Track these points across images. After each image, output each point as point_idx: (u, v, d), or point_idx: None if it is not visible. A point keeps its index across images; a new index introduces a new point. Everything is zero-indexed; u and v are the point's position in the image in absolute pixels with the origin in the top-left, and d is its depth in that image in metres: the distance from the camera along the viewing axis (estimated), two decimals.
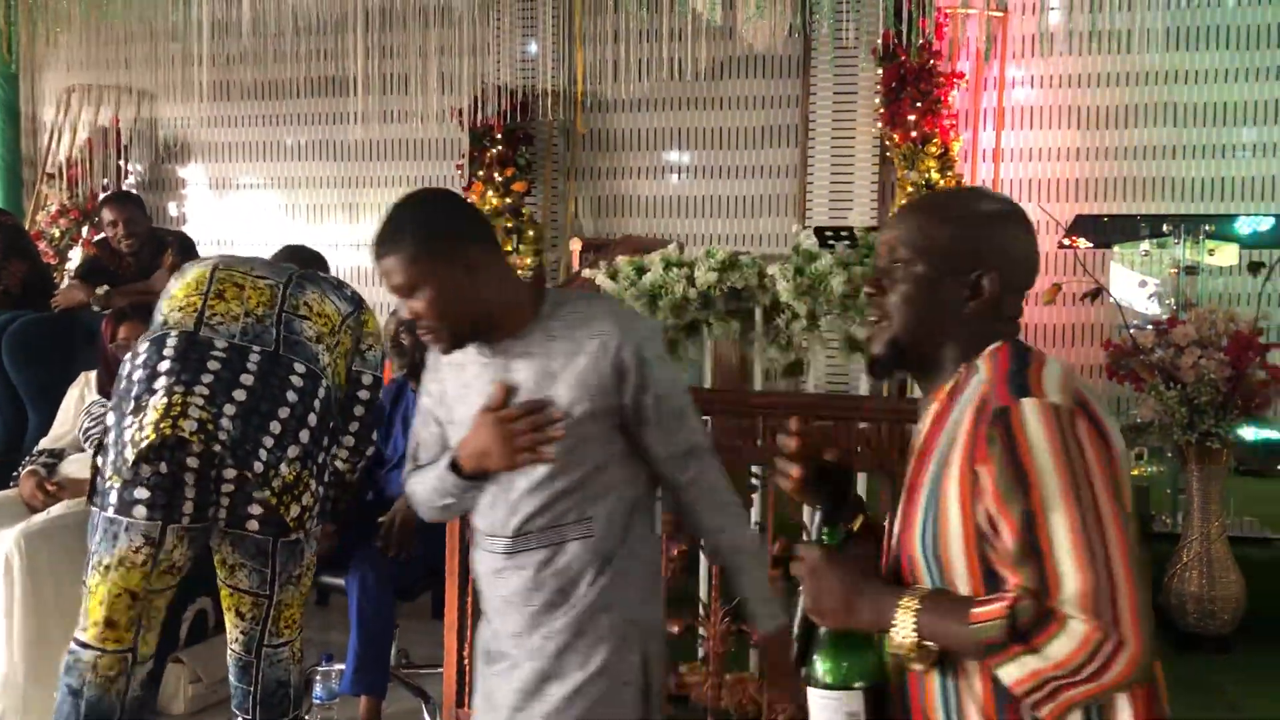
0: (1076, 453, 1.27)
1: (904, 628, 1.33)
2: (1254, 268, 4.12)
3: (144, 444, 2.46)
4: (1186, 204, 6.65)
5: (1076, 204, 6.76)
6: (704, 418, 2.76)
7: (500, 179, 7.22)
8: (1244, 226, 4.68)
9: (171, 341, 2.62)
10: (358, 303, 2.90)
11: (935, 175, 6.57)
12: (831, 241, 3.57)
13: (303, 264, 3.07)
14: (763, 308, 3.50)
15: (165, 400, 2.50)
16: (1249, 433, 6.13)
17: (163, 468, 2.51)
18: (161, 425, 2.47)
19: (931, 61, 6.65)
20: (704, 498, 2.00)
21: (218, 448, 2.50)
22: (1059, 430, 1.28)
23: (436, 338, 1.91)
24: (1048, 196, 6.83)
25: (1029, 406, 1.29)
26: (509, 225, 7.15)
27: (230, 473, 2.55)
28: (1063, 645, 1.22)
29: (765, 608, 2.02)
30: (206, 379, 2.55)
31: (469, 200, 2.05)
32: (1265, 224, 4.83)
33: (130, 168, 8.48)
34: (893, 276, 1.46)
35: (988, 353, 1.42)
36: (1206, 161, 6.74)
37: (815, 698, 1.41)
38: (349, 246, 8.17)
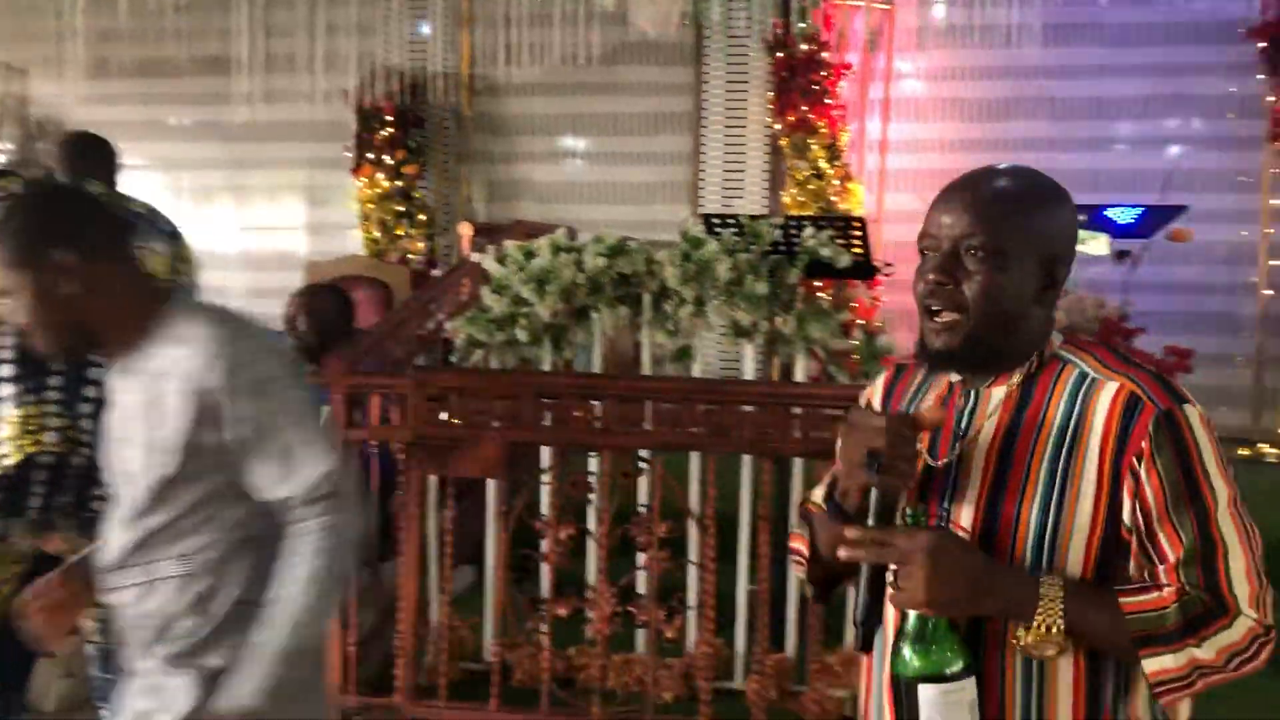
0: (1227, 461, 1.37)
1: (1051, 614, 1.31)
2: (1120, 256, 4.29)
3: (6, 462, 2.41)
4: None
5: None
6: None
7: (390, 162, 7.12)
8: (1115, 216, 4.86)
9: (7, 342, 2.52)
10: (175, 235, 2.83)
11: (824, 165, 6.68)
12: (718, 229, 3.61)
13: (81, 155, 2.99)
14: (651, 293, 3.52)
15: (19, 414, 2.43)
16: None
17: (14, 471, 2.45)
18: (22, 443, 2.42)
19: (820, 52, 6.76)
20: (297, 561, 1.72)
21: (83, 450, 2.44)
22: (1216, 439, 1.37)
23: (40, 344, 1.78)
24: (932, 188, 6.96)
25: (1193, 414, 1.35)
26: (399, 209, 7.06)
27: (79, 460, 2.49)
28: (1228, 637, 1.31)
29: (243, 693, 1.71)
30: (54, 381, 2.47)
31: (97, 203, 1.90)
32: (1133, 214, 5.02)
33: None
34: (968, 267, 1.40)
35: (1070, 343, 1.46)
36: (1083, 154, 6.97)
37: (933, 693, 1.33)
38: (236, 229, 7.97)
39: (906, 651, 1.34)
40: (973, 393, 1.46)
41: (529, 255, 3.49)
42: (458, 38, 7.23)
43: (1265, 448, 6.47)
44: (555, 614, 3.17)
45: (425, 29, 7.33)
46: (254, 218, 8.00)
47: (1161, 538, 1.34)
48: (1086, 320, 4.08)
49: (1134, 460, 1.33)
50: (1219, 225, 6.93)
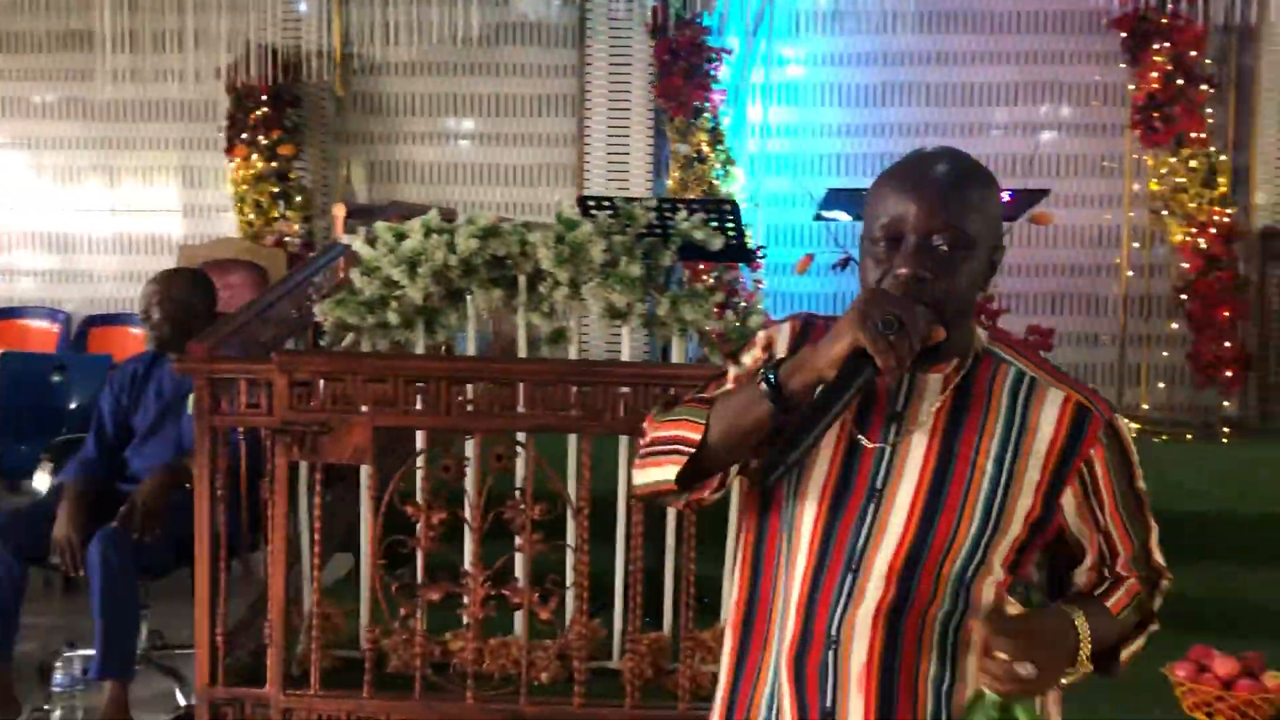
0: None
1: (1086, 645, 1.42)
2: None
3: None
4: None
5: (838, 179, 7.05)
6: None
7: (265, 142, 6.94)
8: None
9: None
10: None
11: (706, 148, 6.73)
12: (594, 210, 3.61)
13: None
14: (526, 275, 3.51)
15: None
16: None
17: None
18: None
19: (702, 36, 6.80)
20: None
21: None
22: None
23: None
24: (813, 171, 7.11)
25: (1121, 422, 1.49)
26: (275, 191, 6.89)
27: None
28: (1161, 600, 1.54)
29: None
30: None
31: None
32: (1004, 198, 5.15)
33: None
34: (939, 258, 1.37)
35: (990, 334, 1.51)
36: (959, 140, 7.14)
37: None
38: (106, 212, 7.69)
39: None
40: (907, 377, 1.44)
41: (400, 237, 3.44)
42: (334, 15, 7.07)
43: (1128, 422, 6.75)
44: (429, 599, 3.14)
45: (303, 6, 7.16)
46: (126, 199, 7.73)
47: (1114, 533, 1.49)
48: None
49: (1083, 465, 1.44)
50: (1086, 209, 7.21)
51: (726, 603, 1.72)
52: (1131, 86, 6.82)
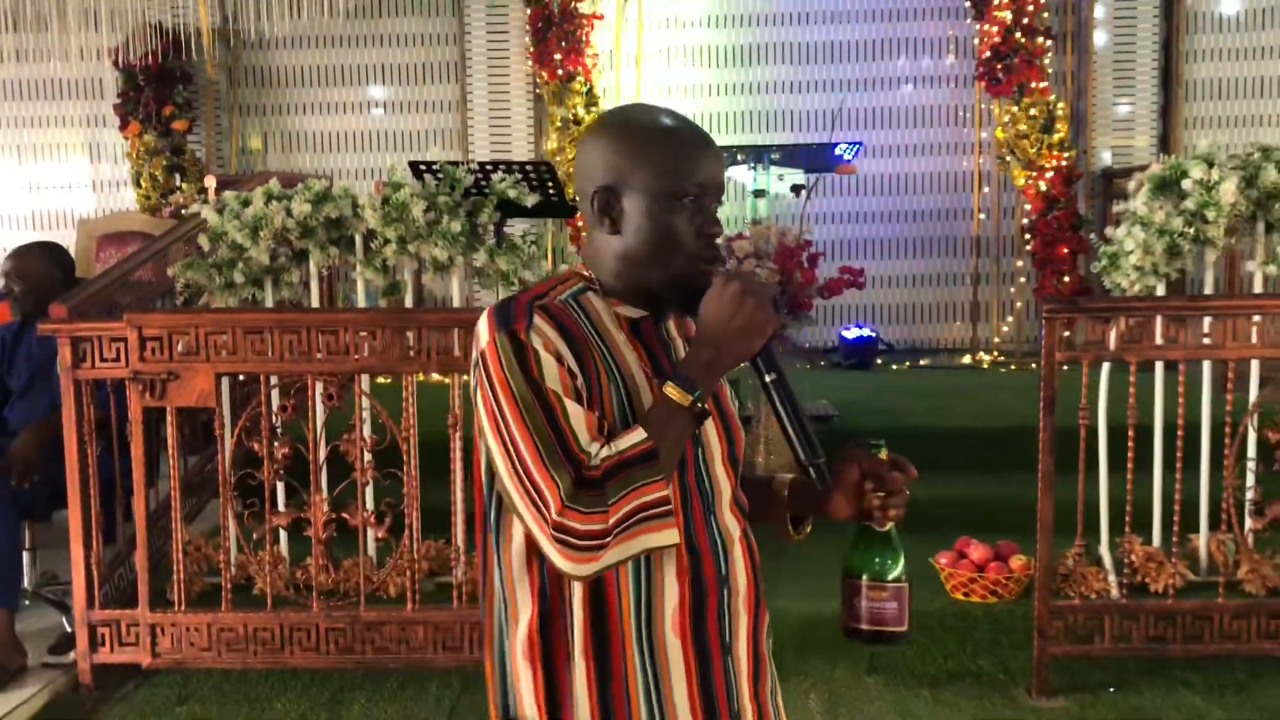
0: None
1: None
2: (795, 190, 4.86)
3: None
4: (805, 134, 7.47)
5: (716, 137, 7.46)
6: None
7: (158, 118, 7.24)
8: (841, 153, 5.42)
9: None
10: None
11: (582, 111, 7.11)
12: (425, 173, 4.00)
13: None
14: (361, 235, 3.90)
15: None
16: (851, 333, 7.10)
17: None
18: None
19: (575, 3, 7.15)
20: None
21: None
22: None
23: None
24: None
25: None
26: (169, 164, 7.20)
27: None
28: None
29: None
30: None
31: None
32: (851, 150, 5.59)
33: None
34: (716, 213, 1.51)
35: None
36: (821, 95, 7.59)
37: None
38: (19, 189, 7.94)
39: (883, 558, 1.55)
40: (663, 327, 1.53)
41: (245, 203, 3.82)
42: None
43: (982, 355, 7.29)
44: (277, 524, 3.57)
45: None
46: (38, 177, 7.99)
47: None
48: (769, 246, 4.63)
49: None
50: (940, 157, 7.69)
51: None
52: (977, 40, 7.27)
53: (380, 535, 3.59)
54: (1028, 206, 7.07)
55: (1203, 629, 3.50)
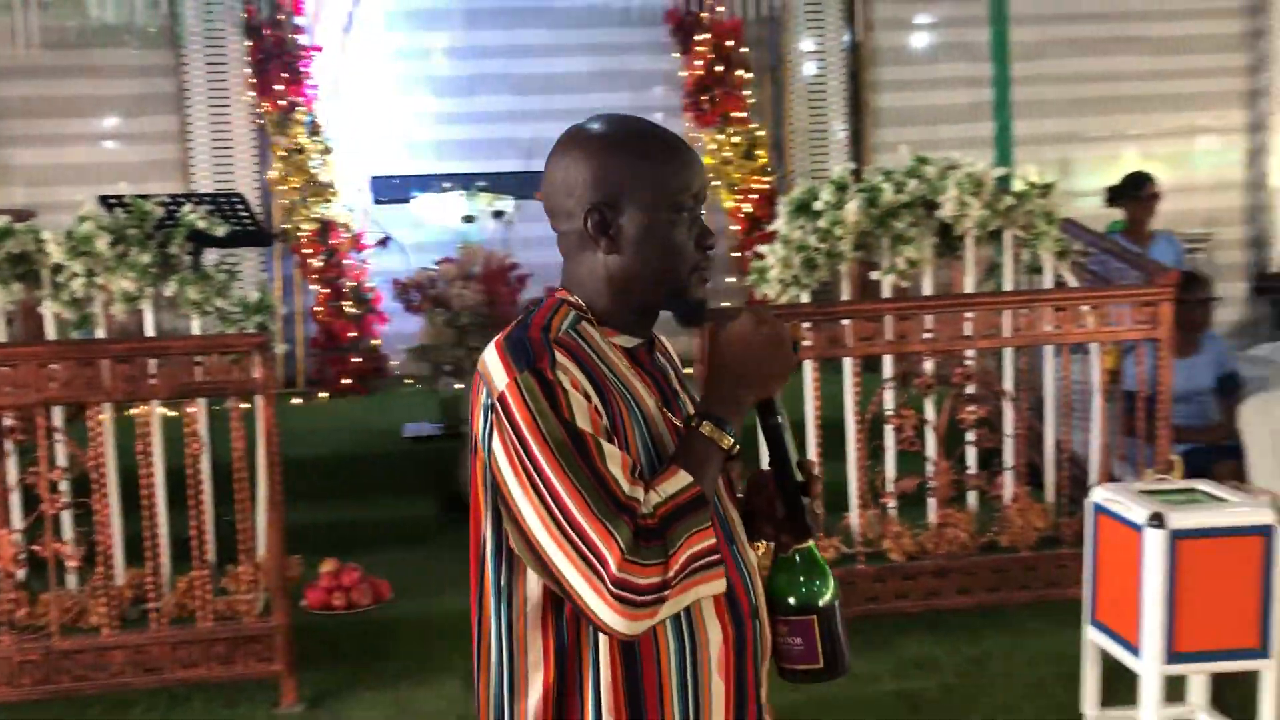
0: None
1: None
2: (497, 215, 5.17)
3: None
4: (526, 163, 7.78)
5: (435, 163, 7.68)
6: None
7: None
8: (509, 183, 5.74)
9: None
10: None
11: (305, 141, 7.20)
12: (115, 207, 4.06)
13: None
14: (48, 269, 3.93)
15: None
16: None
17: None
18: None
19: (294, 35, 7.24)
20: None
21: None
22: None
23: None
24: (408, 157, 7.72)
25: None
26: None
27: None
28: None
29: None
30: None
31: None
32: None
33: None
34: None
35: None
36: (539, 124, 7.91)
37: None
38: None
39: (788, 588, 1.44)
40: (656, 355, 1.51)
41: None
42: None
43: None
44: None
45: None
46: None
47: None
48: (476, 268, 4.90)
49: None
50: None
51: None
52: (683, 73, 7.79)
53: (74, 564, 3.63)
54: (735, 227, 7.62)
55: (849, 594, 3.98)
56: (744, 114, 7.63)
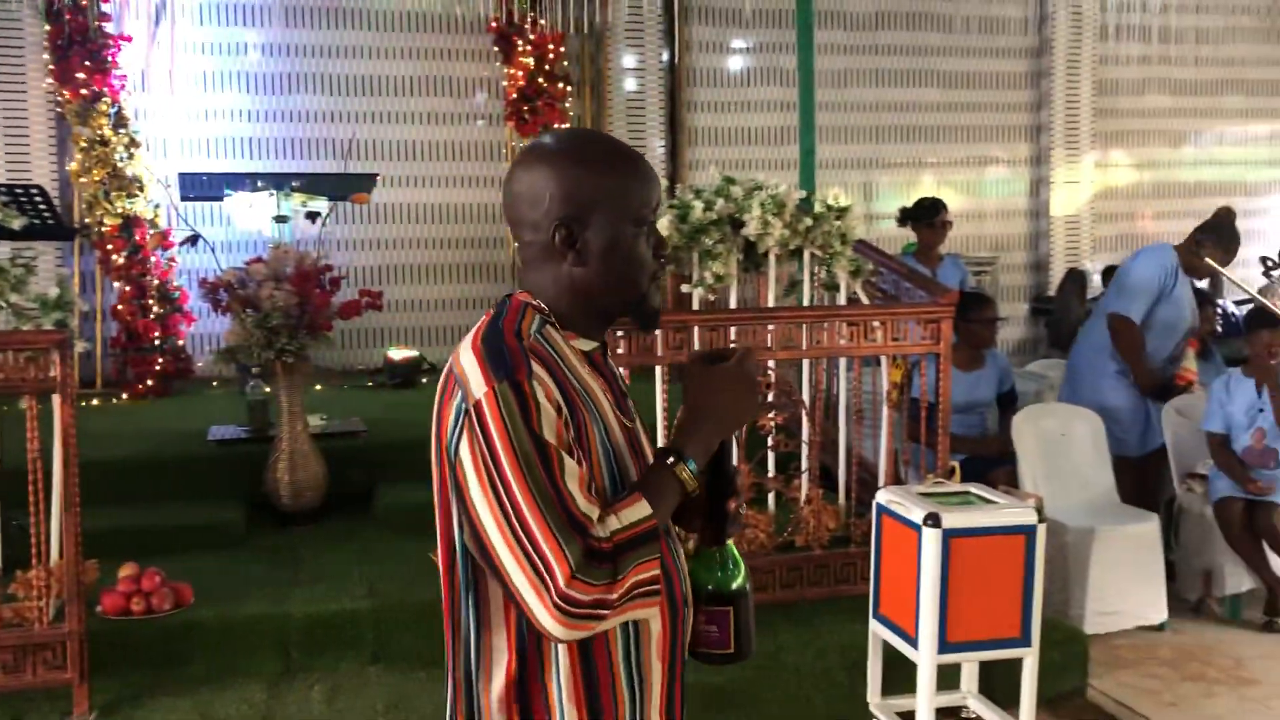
0: None
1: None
2: (311, 216, 5.13)
3: None
4: (343, 164, 7.71)
5: (248, 161, 7.53)
6: None
7: None
8: (325, 184, 5.71)
9: None
10: None
11: (108, 132, 6.92)
12: None
13: None
14: None
15: None
16: (396, 354, 7.42)
17: None
18: None
19: (99, 23, 6.96)
20: None
21: None
22: None
23: None
24: (220, 154, 7.53)
25: None
26: None
27: None
28: None
29: None
30: None
31: None
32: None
33: None
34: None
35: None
36: (360, 126, 7.87)
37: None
38: None
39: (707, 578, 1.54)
40: (607, 358, 1.57)
41: None
42: None
43: None
44: None
45: None
46: None
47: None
48: (287, 269, 4.83)
49: None
50: (482, 189, 8.21)
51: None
52: (505, 83, 7.87)
53: None
54: None
55: None
56: (565, 125, 7.74)
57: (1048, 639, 3.82)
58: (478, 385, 1.35)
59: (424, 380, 7.45)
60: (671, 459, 1.44)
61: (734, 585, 1.52)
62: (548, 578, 1.28)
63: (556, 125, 7.70)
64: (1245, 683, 4.19)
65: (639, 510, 1.36)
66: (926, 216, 6.32)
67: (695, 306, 4.49)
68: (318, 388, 6.79)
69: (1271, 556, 4.74)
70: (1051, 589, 4.51)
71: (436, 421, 1.42)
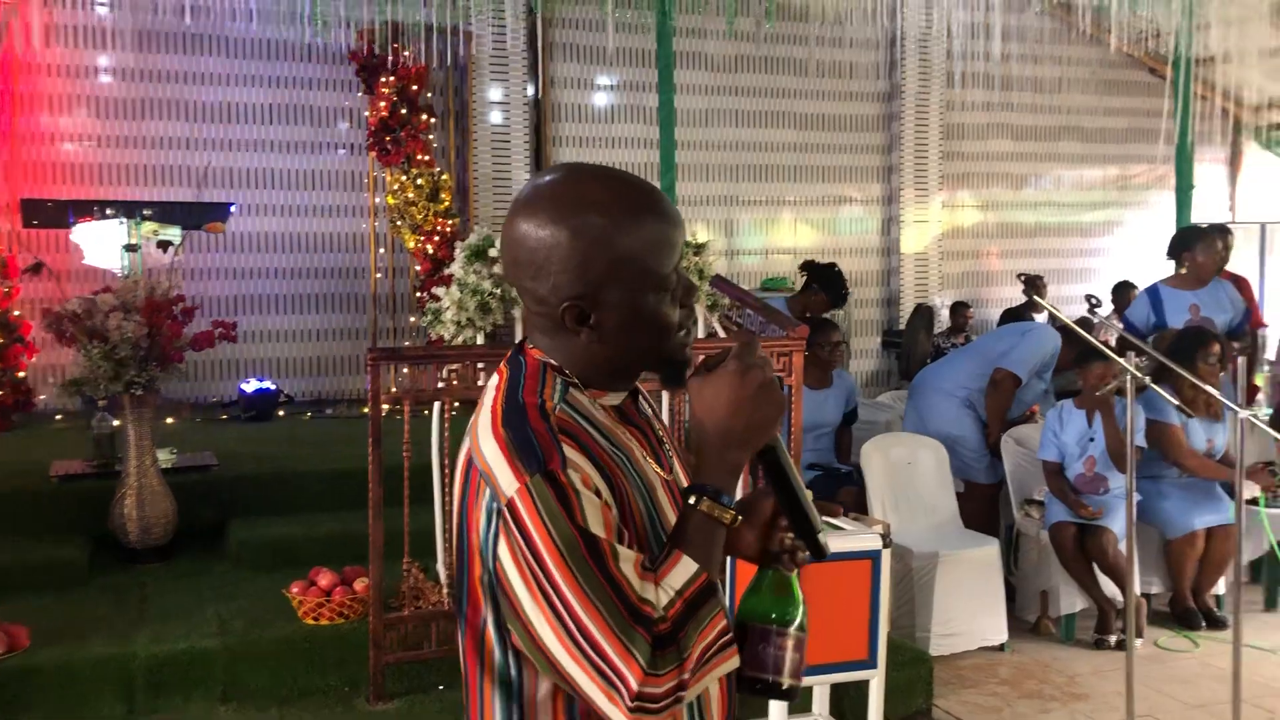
0: None
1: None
2: (163, 245, 5.02)
3: None
4: (197, 193, 7.55)
5: (98, 188, 7.31)
6: None
7: None
8: (179, 213, 5.60)
9: None
10: None
11: None
12: None
13: None
14: None
15: None
16: (250, 386, 7.26)
17: None
18: None
19: None
20: None
21: None
22: None
23: None
24: (68, 180, 7.28)
25: None
26: None
27: None
28: None
29: None
30: None
31: None
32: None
33: None
34: None
35: None
36: (216, 153, 7.71)
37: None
38: None
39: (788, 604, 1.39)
40: (641, 400, 1.46)
41: None
42: None
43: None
44: None
45: None
46: None
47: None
48: (137, 299, 4.71)
49: None
50: (341, 219, 8.13)
51: None
52: (367, 113, 7.82)
53: None
54: (418, 267, 7.70)
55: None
56: (428, 157, 7.74)
57: (894, 661, 3.98)
58: (508, 483, 1.21)
59: (280, 413, 7.31)
60: (694, 498, 1.29)
61: (797, 618, 1.38)
62: (619, 684, 1.17)
63: (420, 156, 7.67)
64: (1077, 698, 4.41)
65: (684, 569, 1.24)
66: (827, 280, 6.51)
67: None
68: (169, 421, 6.60)
69: (1102, 578, 5.02)
70: (899, 612, 4.69)
71: (460, 516, 1.29)
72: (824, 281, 6.50)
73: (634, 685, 1.17)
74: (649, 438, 1.41)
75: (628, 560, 1.21)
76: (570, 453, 1.22)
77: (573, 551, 1.18)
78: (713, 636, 1.23)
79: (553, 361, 1.33)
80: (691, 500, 1.29)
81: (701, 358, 1.36)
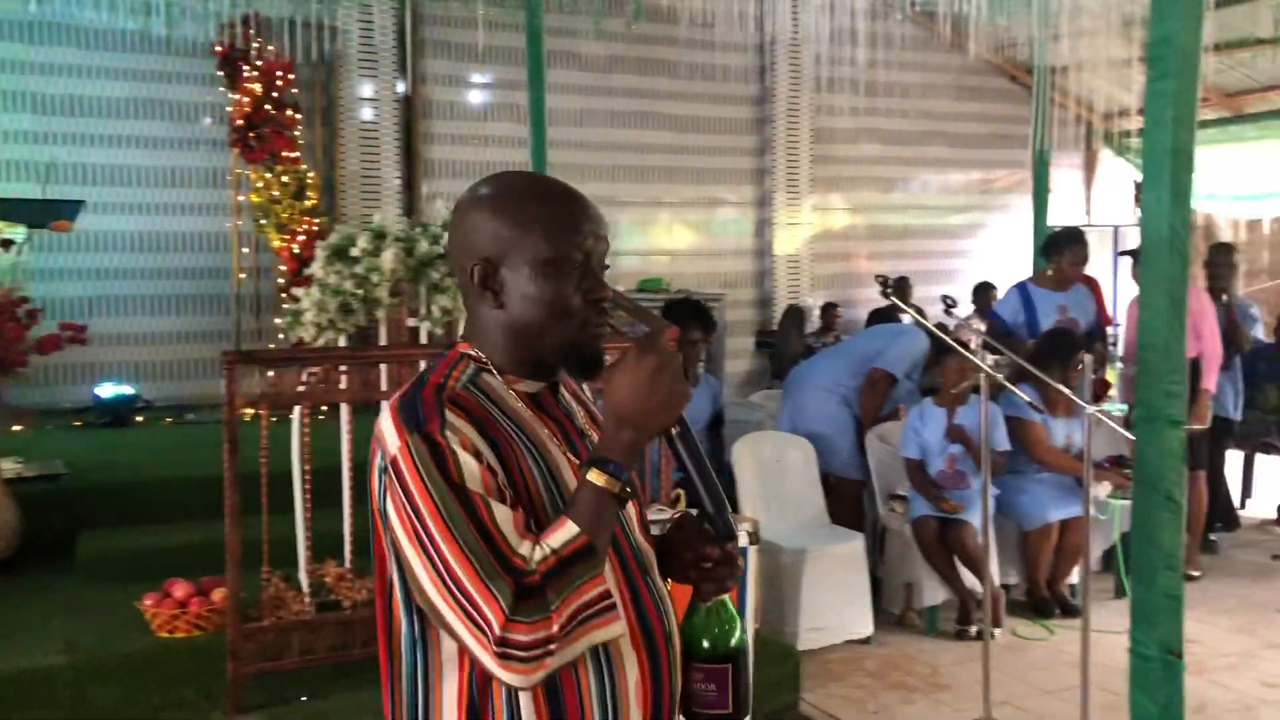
0: None
1: None
2: (5, 244, 4.78)
3: None
4: (43, 188, 7.21)
5: None
6: None
7: None
8: (23, 210, 5.33)
9: None
10: None
11: None
12: None
13: None
14: None
15: None
16: (106, 390, 6.98)
17: None
18: None
19: None
20: None
21: None
22: None
23: None
24: None
25: None
26: None
27: None
28: None
29: None
30: None
31: None
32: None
33: None
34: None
35: None
36: (66, 148, 7.38)
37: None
38: None
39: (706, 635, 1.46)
40: (560, 397, 1.54)
41: None
42: None
43: (247, 410, 7.52)
44: None
45: None
46: None
47: None
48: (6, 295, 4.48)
49: None
50: (200, 217, 7.87)
51: None
52: (230, 109, 7.58)
53: None
54: (284, 267, 7.49)
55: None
56: (294, 154, 7.54)
57: (764, 657, 4.02)
58: (392, 441, 1.34)
59: (138, 419, 7.03)
60: (587, 470, 1.37)
61: (732, 642, 1.46)
62: (484, 625, 1.25)
63: (286, 153, 7.48)
64: (939, 688, 4.52)
65: (565, 532, 1.31)
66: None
67: (423, 340, 4.46)
68: (16, 428, 6.28)
69: (963, 570, 5.16)
70: (769, 608, 4.74)
71: (368, 485, 1.41)
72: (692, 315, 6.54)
73: (497, 628, 1.24)
74: (566, 430, 1.49)
75: (505, 518, 1.30)
76: (452, 418, 1.33)
77: (445, 503, 1.28)
78: (591, 597, 1.30)
79: (472, 352, 1.46)
80: (584, 471, 1.37)
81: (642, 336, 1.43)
